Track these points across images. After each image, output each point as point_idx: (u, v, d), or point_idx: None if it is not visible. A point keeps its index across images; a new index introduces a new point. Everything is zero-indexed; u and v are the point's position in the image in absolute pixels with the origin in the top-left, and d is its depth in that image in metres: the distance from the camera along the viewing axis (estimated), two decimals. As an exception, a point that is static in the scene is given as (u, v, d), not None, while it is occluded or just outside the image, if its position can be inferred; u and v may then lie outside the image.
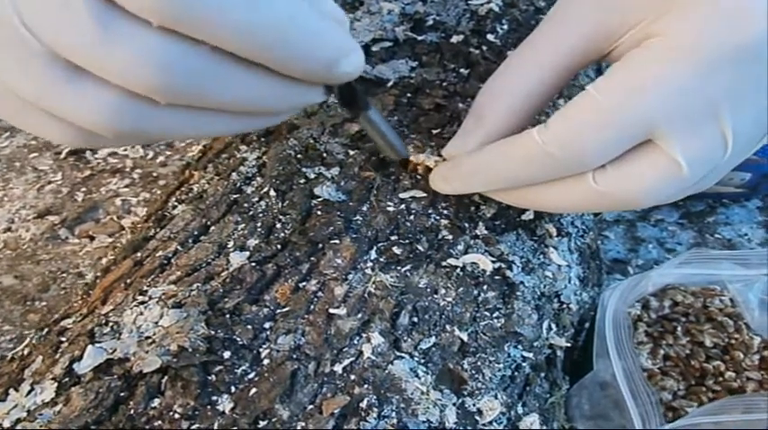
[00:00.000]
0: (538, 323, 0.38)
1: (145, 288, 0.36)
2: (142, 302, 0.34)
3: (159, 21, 0.23)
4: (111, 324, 0.34)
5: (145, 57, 0.24)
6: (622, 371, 0.38)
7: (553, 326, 0.39)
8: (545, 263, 0.40)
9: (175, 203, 0.42)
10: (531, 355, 0.37)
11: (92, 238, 0.64)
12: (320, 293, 0.35)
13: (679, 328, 0.45)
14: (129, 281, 0.37)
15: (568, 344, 0.39)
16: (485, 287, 0.37)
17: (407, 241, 0.38)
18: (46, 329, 0.36)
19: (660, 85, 0.29)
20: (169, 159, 0.72)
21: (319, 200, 0.39)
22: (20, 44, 0.23)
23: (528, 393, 0.36)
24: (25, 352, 0.36)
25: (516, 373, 0.36)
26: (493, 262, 0.38)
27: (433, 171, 0.39)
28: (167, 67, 0.24)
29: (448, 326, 0.35)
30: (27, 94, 0.25)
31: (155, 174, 0.71)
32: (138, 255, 0.39)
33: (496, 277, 0.38)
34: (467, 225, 0.39)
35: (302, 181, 0.41)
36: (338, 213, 0.38)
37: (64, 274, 0.61)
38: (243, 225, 0.38)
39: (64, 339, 0.34)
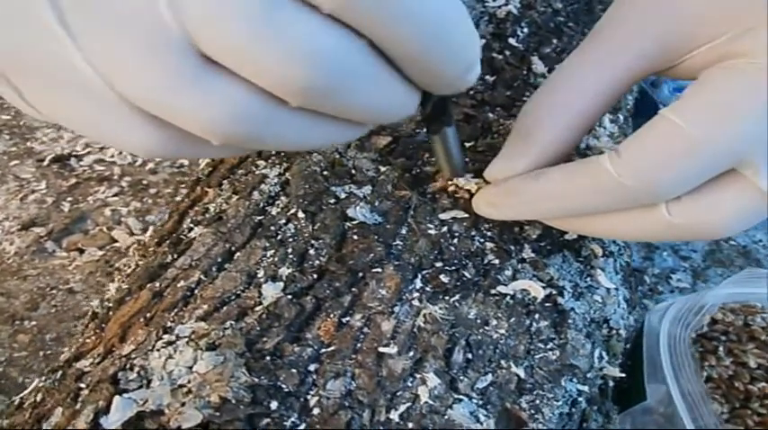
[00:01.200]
0: (590, 352, 0.35)
1: (169, 324, 0.32)
2: (170, 342, 0.31)
3: (332, 6, 0.20)
4: (136, 368, 0.30)
5: (305, 49, 0.21)
6: (680, 396, 0.36)
7: (604, 354, 0.36)
8: (593, 286, 0.38)
9: (191, 225, 0.39)
10: (586, 388, 0.34)
11: (81, 251, 0.60)
12: (366, 329, 0.32)
13: (721, 348, 0.43)
14: (148, 315, 0.33)
15: (623, 375, 0.36)
16: (536, 316, 0.35)
17: (453, 267, 0.35)
18: (59, 372, 0.33)
19: (753, 111, 0.27)
20: (159, 166, 0.68)
21: (354, 222, 0.36)
22: (153, 30, 0.20)
23: (585, 430, 0.34)
24: (37, 398, 0.32)
25: (573, 410, 0.33)
26: (543, 288, 0.35)
27: (476, 195, 0.36)
28: (325, 63, 0.21)
29: (503, 362, 0.32)
30: (138, 87, 0.21)
31: (144, 182, 0.67)
32: (157, 285, 0.35)
33: (546, 304, 0.35)
34: (512, 248, 0.37)
35: (332, 201, 0.37)
36: (376, 237, 0.35)
37: (54, 291, 0.57)
38: (272, 251, 0.35)
39: (83, 385, 0.31)
